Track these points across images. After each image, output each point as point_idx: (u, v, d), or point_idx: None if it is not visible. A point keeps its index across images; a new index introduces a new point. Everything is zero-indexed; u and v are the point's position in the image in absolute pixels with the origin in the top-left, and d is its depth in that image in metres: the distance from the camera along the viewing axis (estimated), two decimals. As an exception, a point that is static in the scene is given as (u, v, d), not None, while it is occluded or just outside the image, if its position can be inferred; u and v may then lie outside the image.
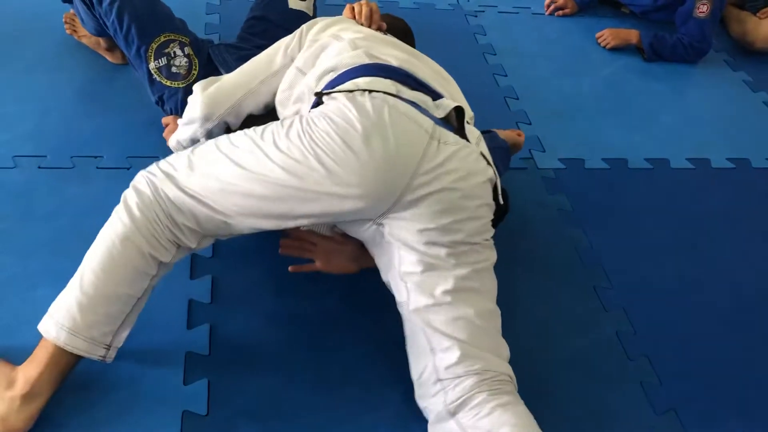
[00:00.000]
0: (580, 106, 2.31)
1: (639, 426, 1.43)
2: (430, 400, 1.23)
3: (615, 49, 2.62)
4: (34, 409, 1.22)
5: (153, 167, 1.31)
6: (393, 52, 1.44)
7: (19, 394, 1.21)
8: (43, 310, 1.39)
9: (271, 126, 1.27)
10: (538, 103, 2.27)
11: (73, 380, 1.29)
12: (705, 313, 1.68)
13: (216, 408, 1.32)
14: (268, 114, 1.63)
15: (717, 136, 2.28)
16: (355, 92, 1.24)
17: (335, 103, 1.25)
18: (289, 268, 1.49)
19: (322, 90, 1.36)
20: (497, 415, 1.16)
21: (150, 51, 1.76)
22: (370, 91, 1.24)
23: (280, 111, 1.55)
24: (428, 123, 1.24)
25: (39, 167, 1.76)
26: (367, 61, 1.38)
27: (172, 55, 1.76)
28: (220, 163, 1.25)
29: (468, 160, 1.25)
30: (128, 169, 1.79)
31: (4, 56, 2.10)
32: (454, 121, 1.32)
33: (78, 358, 1.25)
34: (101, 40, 2.08)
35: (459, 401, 1.19)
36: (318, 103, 1.31)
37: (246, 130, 1.29)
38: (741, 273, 1.79)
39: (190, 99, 1.62)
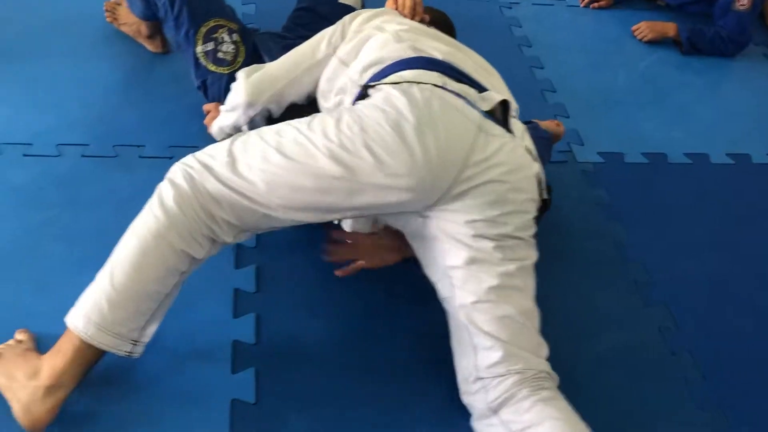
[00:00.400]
0: (618, 99, 2.29)
1: (682, 422, 1.42)
2: (472, 397, 1.24)
3: (651, 42, 2.59)
4: (57, 400, 1.21)
5: (189, 159, 1.26)
6: (437, 44, 1.43)
7: (43, 384, 1.20)
8: None
9: (319, 116, 1.26)
10: (576, 95, 2.25)
11: (121, 369, 1.32)
12: (747, 309, 1.66)
13: (264, 396, 1.33)
14: (309, 104, 1.64)
15: (756, 131, 2.25)
16: (403, 84, 1.24)
17: (384, 94, 1.24)
18: (336, 273, 1.49)
19: (367, 83, 1.36)
20: (539, 410, 1.16)
21: (199, 35, 1.77)
22: (418, 83, 1.24)
23: (321, 102, 1.55)
24: (475, 115, 1.24)
25: (83, 155, 1.78)
26: (411, 54, 1.38)
27: (220, 41, 1.77)
28: (265, 154, 1.21)
29: (515, 154, 1.25)
30: (170, 158, 1.80)
31: (45, 43, 2.12)
32: (499, 114, 1.32)
33: (103, 353, 1.23)
34: (143, 28, 2.09)
35: (500, 399, 1.19)
36: (364, 95, 1.30)
37: (291, 121, 1.28)
38: (783, 270, 1.78)
39: (233, 85, 1.63)
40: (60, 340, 1.23)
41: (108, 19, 2.19)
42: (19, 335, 1.33)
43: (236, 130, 1.67)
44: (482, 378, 1.21)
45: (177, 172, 1.24)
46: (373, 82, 1.33)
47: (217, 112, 1.80)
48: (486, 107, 1.28)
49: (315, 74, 1.57)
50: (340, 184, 1.19)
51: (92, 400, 1.28)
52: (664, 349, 1.54)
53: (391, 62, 1.36)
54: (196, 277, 1.30)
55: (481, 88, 1.34)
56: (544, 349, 1.26)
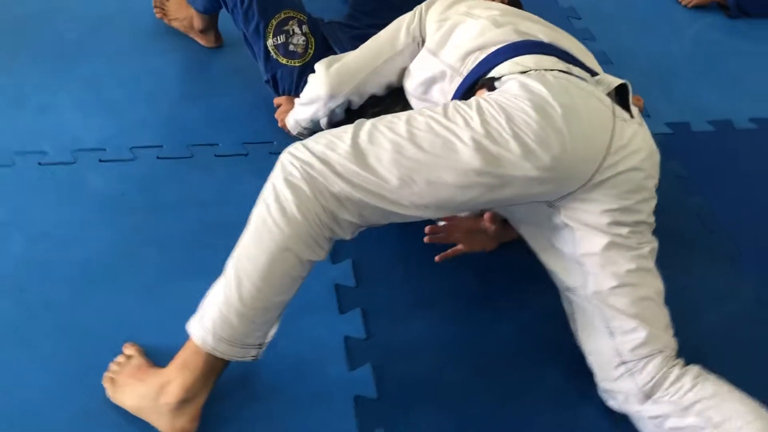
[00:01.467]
0: (673, 68, 2.28)
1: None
2: (615, 383, 1.24)
3: (696, 7, 2.57)
4: (196, 410, 1.20)
5: (303, 152, 1.16)
6: (537, 27, 1.40)
7: (176, 401, 1.19)
8: (190, 306, 1.39)
9: (453, 105, 1.18)
10: (633, 67, 2.23)
11: (241, 372, 1.31)
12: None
13: (385, 391, 1.33)
14: (389, 95, 1.62)
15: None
16: (532, 72, 1.20)
17: (518, 83, 1.18)
18: (436, 259, 1.48)
19: (473, 70, 1.34)
20: (702, 387, 1.18)
21: (269, 27, 1.74)
22: (548, 70, 1.21)
23: (410, 92, 1.52)
24: (607, 100, 1.21)
25: (158, 158, 1.75)
26: (516, 38, 1.34)
27: (291, 33, 1.74)
28: (398, 146, 1.13)
29: (647, 139, 1.23)
30: (245, 155, 1.79)
31: (97, 43, 2.08)
32: (614, 98, 1.29)
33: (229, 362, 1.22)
34: (196, 22, 2.05)
35: (653, 381, 1.19)
36: (491, 87, 1.24)
37: (422, 110, 1.20)
38: None
39: (312, 77, 1.61)
40: (185, 353, 1.21)
41: (157, 15, 2.15)
42: (128, 350, 1.32)
43: (314, 123, 1.65)
44: (626, 362, 1.21)
45: (294, 172, 1.15)
46: (481, 70, 1.30)
47: (289, 105, 1.79)
48: (605, 92, 1.24)
49: (396, 64, 1.54)
50: (484, 180, 1.13)
51: (219, 404, 1.27)
52: (763, 321, 1.55)
53: (496, 48, 1.32)
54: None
55: (591, 72, 1.31)
56: (671, 328, 1.26)
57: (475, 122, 1.13)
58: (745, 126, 2.07)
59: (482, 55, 1.34)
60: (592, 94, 1.21)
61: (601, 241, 1.20)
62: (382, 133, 1.16)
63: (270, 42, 1.75)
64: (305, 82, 1.75)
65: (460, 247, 1.48)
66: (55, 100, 1.88)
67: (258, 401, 1.30)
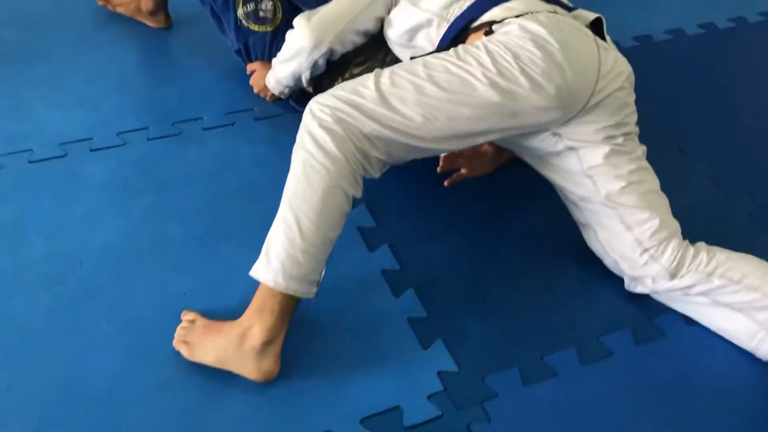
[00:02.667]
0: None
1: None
2: (642, 269, 1.42)
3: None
4: (277, 349, 1.29)
5: (331, 100, 1.28)
6: None
7: (259, 343, 1.27)
8: (229, 267, 1.49)
9: (462, 48, 1.32)
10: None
11: (296, 314, 1.39)
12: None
13: (432, 309, 1.46)
14: (370, 44, 1.70)
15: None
16: (527, 15, 1.34)
17: (517, 26, 1.32)
18: (445, 183, 1.62)
19: (461, 15, 1.44)
20: (718, 256, 1.39)
21: None
22: (539, 12, 1.35)
23: (393, 40, 1.61)
24: (589, 32, 1.37)
25: (148, 139, 1.77)
26: None
27: (259, 0, 1.79)
28: (420, 87, 1.27)
29: (624, 61, 1.41)
30: (232, 125, 1.84)
31: (43, 41, 2.03)
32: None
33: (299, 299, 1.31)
34: (144, 4, 2.05)
35: (676, 261, 1.39)
36: (488, 31, 1.37)
37: (435, 54, 1.34)
38: None
39: (291, 33, 1.68)
40: (259, 298, 1.29)
41: (100, 2, 2.12)
42: (188, 315, 1.37)
43: (295, 80, 1.73)
44: (648, 249, 1.40)
45: (324, 116, 1.26)
46: (472, 14, 1.41)
47: (264, 69, 1.85)
48: (583, 24, 1.40)
49: (372, 12, 1.63)
50: (498, 110, 1.28)
51: (288, 343, 1.33)
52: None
53: None
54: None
55: (567, 8, 1.46)
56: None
57: (487, 62, 1.28)
58: (662, 38, 2.32)
59: (468, 2, 1.45)
60: (578, 28, 1.36)
61: (602, 151, 1.38)
62: (402, 77, 1.30)
63: (240, 11, 1.79)
64: (277, 46, 1.82)
65: (464, 171, 1.62)
66: (23, 102, 1.84)
67: (323, 336, 1.39)
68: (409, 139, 1.29)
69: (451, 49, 1.34)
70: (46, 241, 1.51)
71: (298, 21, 1.66)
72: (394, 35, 1.61)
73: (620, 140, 1.39)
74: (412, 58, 1.46)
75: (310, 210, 1.25)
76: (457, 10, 1.47)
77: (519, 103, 1.29)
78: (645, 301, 1.49)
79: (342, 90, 1.30)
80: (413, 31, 1.55)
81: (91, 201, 1.61)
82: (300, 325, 1.38)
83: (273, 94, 1.86)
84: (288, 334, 1.33)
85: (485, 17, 1.42)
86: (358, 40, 1.68)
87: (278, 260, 1.25)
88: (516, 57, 1.28)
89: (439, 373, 1.35)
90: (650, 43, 2.29)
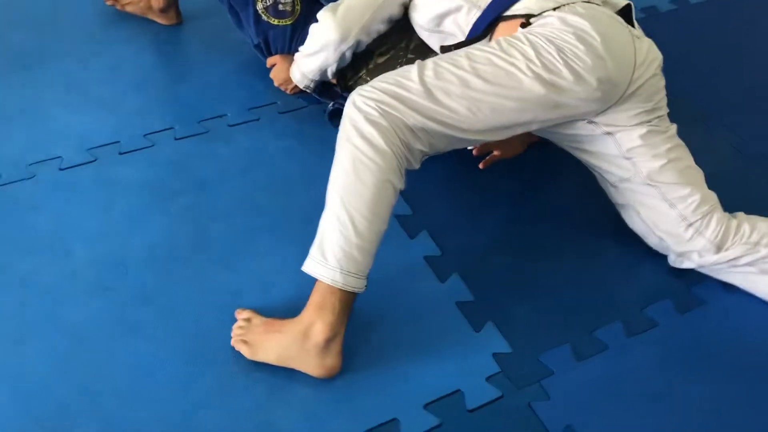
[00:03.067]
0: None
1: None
2: (688, 244, 1.45)
3: None
4: (339, 345, 1.30)
5: (374, 93, 1.27)
6: None
7: (322, 340, 1.28)
8: (275, 263, 1.51)
9: (505, 40, 1.33)
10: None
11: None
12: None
13: (477, 292, 1.49)
14: (391, 32, 1.71)
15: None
16: (566, 7, 1.35)
17: (557, 19, 1.33)
18: (480, 166, 1.65)
19: (492, 4, 1.45)
20: (757, 227, 1.43)
21: None
22: (575, 3, 1.36)
23: (426, 25, 1.59)
24: (623, 21, 1.39)
25: (175, 139, 1.77)
26: None
27: None
28: (464, 80, 1.27)
29: (655, 48, 1.43)
30: (257, 120, 1.84)
31: (52, 44, 2.02)
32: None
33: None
34: (155, 2, 2.03)
35: (720, 233, 1.42)
36: (524, 24, 1.38)
37: (478, 46, 1.35)
38: None
39: (316, 27, 1.68)
40: (318, 296, 1.29)
41: (108, 2, 2.10)
42: (243, 314, 1.38)
43: (322, 72, 1.73)
44: (693, 223, 1.43)
45: (369, 109, 1.25)
46: (505, 3, 1.42)
47: (284, 62, 1.85)
48: (613, 11, 1.41)
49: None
50: (542, 102, 1.30)
51: (348, 334, 1.35)
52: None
53: None
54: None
55: None
56: None
57: (531, 55, 1.29)
58: (668, 8, 2.35)
59: None
60: (614, 18, 1.38)
61: (639, 133, 1.40)
62: (447, 69, 1.30)
63: (260, 6, 1.79)
64: (297, 39, 1.82)
65: (496, 153, 1.64)
66: (42, 108, 1.83)
67: (377, 326, 1.41)
68: (453, 131, 1.30)
69: (494, 42, 1.35)
70: (88, 248, 1.52)
71: (324, 14, 1.66)
72: (421, 20, 1.61)
73: (654, 121, 1.42)
74: (445, 48, 1.48)
75: (363, 206, 1.25)
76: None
77: (562, 95, 1.30)
78: (683, 271, 1.53)
79: (385, 82, 1.29)
80: (441, 17, 1.55)
81: (128, 204, 1.61)
82: (353, 317, 1.40)
83: (294, 87, 1.86)
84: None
85: (519, 7, 1.42)
86: (383, 27, 1.68)
87: (335, 258, 1.26)
88: (560, 50, 1.29)
89: (494, 354, 1.38)
90: (656, 15, 2.32)
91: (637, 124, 1.41)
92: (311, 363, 1.30)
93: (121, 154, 1.72)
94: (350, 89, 1.81)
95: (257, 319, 1.37)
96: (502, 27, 1.44)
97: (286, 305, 1.42)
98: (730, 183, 1.72)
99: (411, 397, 1.31)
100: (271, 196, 1.65)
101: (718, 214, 1.44)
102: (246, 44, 1.92)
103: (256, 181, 1.69)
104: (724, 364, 1.40)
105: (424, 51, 1.71)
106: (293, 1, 1.81)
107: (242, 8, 1.81)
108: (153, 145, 1.75)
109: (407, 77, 1.30)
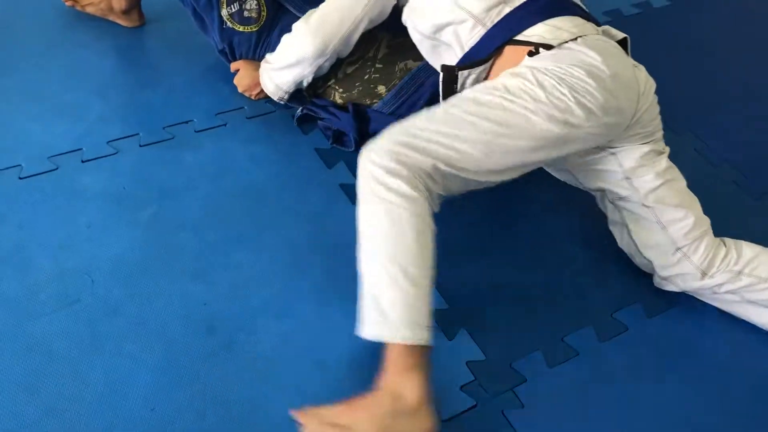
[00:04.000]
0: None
1: None
2: (674, 268, 1.45)
3: None
4: (429, 401, 1.21)
5: (387, 144, 1.25)
6: None
7: (416, 403, 1.19)
8: (246, 274, 1.49)
9: (510, 81, 1.31)
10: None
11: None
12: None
13: (451, 300, 1.48)
14: (360, 41, 1.67)
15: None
16: (578, 39, 1.36)
17: (568, 52, 1.33)
18: None
19: (499, 24, 1.41)
20: (747, 250, 1.43)
21: None
22: (586, 35, 1.36)
23: (423, 31, 1.53)
24: (624, 53, 1.41)
25: (140, 145, 1.73)
26: None
27: (244, 0, 1.75)
28: (476, 124, 1.27)
29: (649, 76, 1.44)
30: (225, 125, 1.81)
31: (8, 49, 1.95)
32: None
33: None
34: (116, 3, 1.98)
35: (707, 259, 1.42)
36: (532, 52, 1.36)
37: (486, 90, 1.32)
38: None
39: (290, 38, 1.65)
40: (396, 361, 1.20)
41: (68, 3, 2.04)
42: (307, 417, 1.22)
43: (297, 84, 1.71)
44: (681, 247, 1.43)
45: (387, 161, 1.23)
46: (514, 28, 1.39)
47: (248, 68, 1.82)
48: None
49: (382, 5, 1.59)
50: (554, 142, 1.30)
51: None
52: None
53: (522, 3, 1.41)
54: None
55: (596, 22, 1.47)
56: None
57: (541, 96, 1.28)
58: (631, 12, 2.38)
59: (507, 8, 1.42)
60: (621, 51, 1.39)
61: (641, 150, 1.42)
62: (457, 115, 1.29)
63: (225, 12, 1.75)
64: (263, 45, 1.80)
65: None
66: (1, 116, 1.76)
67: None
68: (466, 173, 1.28)
69: (500, 84, 1.32)
70: (52, 260, 1.47)
71: (299, 27, 1.63)
72: (421, 25, 1.53)
73: (652, 143, 1.45)
74: (446, 67, 1.45)
75: (410, 257, 1.22)
76: (495, 16, 1.43)
77: (573, 131, 1.30)
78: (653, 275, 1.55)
79: (395, 134, 1.27)
80: (443, 26, 1.48)
81: (93, 214, 1.57)
82: (320, 320, 1.40)
83: (259, 93, 1.84)
84: (314, 337, 1.37)
85: (532, 33, 1.39)
86: (361, 34, 1.65)
87: (400, 319, 1.20)
88: (571, 89, 1.29)
89: (467, 362, 1.38)
90: (620, 18, 2.35)
91: (639, 144, 1.43)
92: (413, 427, 1.20)
93: (83, 161, 1.68)
94: (318, 96, 1.79)
95: (331, 409, 1.22)
96: (508, 51, 1.42)
97: (256, 315, 1.41)
98: (694, 189, 1.76)
99: (386, 408, 1.30)
100: (240, 204, 1.63)
101: (708, 240, 1.44)
102: (211, 47, 1.88)
103: (225, 188, 1.66)
104: (693, 367, 1.43)
105: (392, 60, 1.71)
106: (259, 8, 1.78)
107: (206, 13, 1.78)
108: (117, 153, 1.71)
109: (418, 126, 1.28)
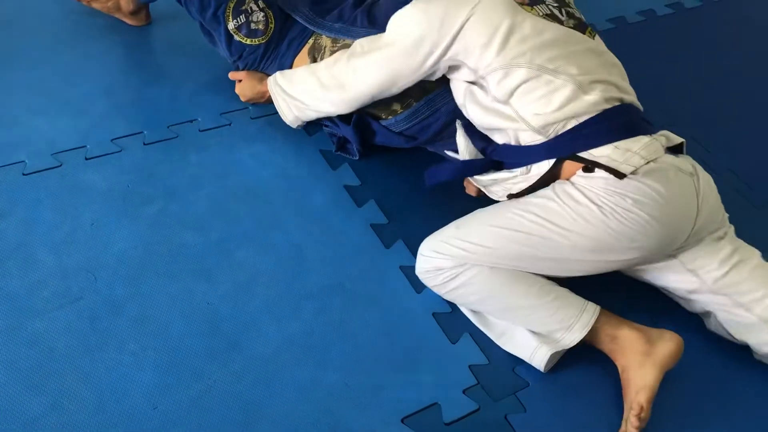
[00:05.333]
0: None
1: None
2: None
3: None
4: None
5: (442, 246, 1.40)
6: (590, 63, 1.40)
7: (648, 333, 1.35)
8: (249, 273, 1.50)
9: (554, 205, 1.34)
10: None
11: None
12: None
13: (453, 303, 1.49)
14: None
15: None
16: (643, 167, 1.32)
17: (634, 185, 1.31)
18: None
19: (563, 138, 1.37)
20: None
21: (228, 11, 1.72)
22: (652, 161, 1.33)
23: (475, 118, 1.49)
24: (689, 166, 1.38)
25: (144, 144, 1.73)
26: (606, 106, 1.37)
27: (250, 11, 1.73)
28: (519, 243, 1.35)
29: (710, 179, 1.43)
30: (229, 125, 1.81)
31: (16, 45, 1.95)
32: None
33: None
34: (124, 3, 1.98)
35: None
36: (587, 168, 1.35)
37: (527, 205, 1.37)
38: None
39: (315, 95, 1.62)
40: (607, 330, 1.38)
41: (74, -2, 2.05)
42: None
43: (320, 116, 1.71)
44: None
45: (443, 262, 1.40)
46: (578, 144, 1.36)
47: (250, 80, 1.81)
48: (666, 146, 1.40)
49: (413, 80, 1.52)
50: (595, 259, 1.36)
51: (324, 345, 1.37)
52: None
53: (589, 117, 1.37)
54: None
55: (650, 124, 1.43)
56: None
57: (596, 216, 1.31)
58: (636, 19, 2.39)
59: (576, 123, 1.37)
60: (681, 169, 1.36)
61: (701, 247, 1.41)
62: (504, 231, 1.37)
63: (231, 25, 1.74)
64: (270, 57, 1.79)
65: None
66: (5, 110, 1.77)
67: (354, 338, 1.40)
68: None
69: (539, 201, 1.38)
70: (55, 257, 1.47)
71: (335, 98, 1.61)
72: (472, 112, 1.48)
73: (715, 237, 1.42)
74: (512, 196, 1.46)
75: (512, 299, 1.39)
76: (553, 131, 1.38)
77: (615, 255, 1.35)
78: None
79: (452, 239, 1.41)
80: (501, 128, 1.45)
81: (96, 212, 1.57)
82: (330, 328, 1.40)
83: (262, 100, 1.84)
84: (317, 338, 1.37)
85: (600, 154, 1.35)
86: None
87: (569, 313, 1.38)
88: (621, 222, 1.30)
89: (470, 366, 1.38)
90: (624, 25, 2.36)
91: (705, 241, 1.41)
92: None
93: (87, 159, 1.67)
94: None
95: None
96: (567, 166, 1.39)
97: (260, 316, 1.41)
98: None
99: (389, 411, 1.31)
100: (244, 203, 1.63)
101: None
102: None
103: (229, 188, 1.66)
104: (698, 369, 1.43)
105: None
106: (266, 20, 1.76)
107: (214, 28, 1.76)
108: (121, 151, 1.71)
109: (466, 238, 1.40)
